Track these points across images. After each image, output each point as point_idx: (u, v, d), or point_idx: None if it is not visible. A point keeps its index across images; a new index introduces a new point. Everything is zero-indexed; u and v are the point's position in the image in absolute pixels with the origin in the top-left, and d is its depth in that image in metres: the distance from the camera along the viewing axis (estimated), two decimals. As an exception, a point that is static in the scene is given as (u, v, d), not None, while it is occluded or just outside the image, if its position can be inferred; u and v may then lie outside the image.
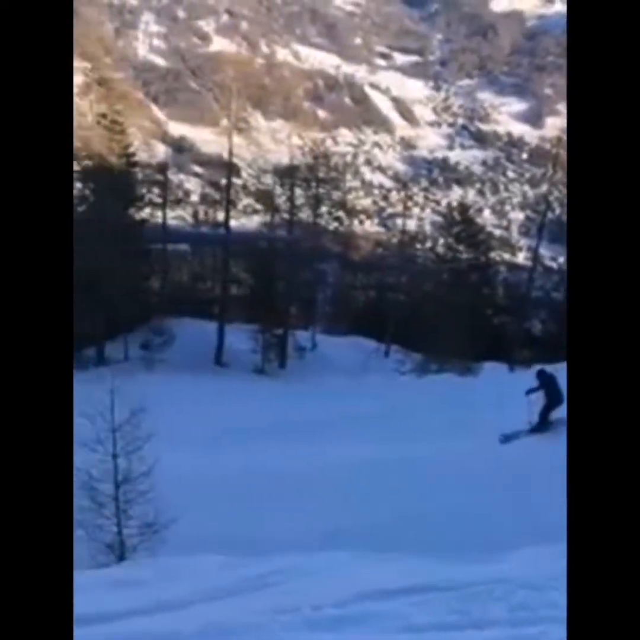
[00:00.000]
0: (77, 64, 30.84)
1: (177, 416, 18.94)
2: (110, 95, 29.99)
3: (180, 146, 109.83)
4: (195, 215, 61.06)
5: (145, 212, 33.75)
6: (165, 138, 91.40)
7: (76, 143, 30.76)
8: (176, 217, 46.54)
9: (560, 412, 15.64)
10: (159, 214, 34.53)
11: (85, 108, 29.67)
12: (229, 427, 19.79)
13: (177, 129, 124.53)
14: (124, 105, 30.99)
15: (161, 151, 56.30)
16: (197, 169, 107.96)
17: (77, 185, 32.02)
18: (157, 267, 36.24)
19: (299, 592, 6.44)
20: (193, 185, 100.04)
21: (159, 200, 34.64)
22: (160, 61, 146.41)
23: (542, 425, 16.13)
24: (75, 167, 31.36)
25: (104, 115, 29.52)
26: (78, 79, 30.84)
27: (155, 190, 34.71)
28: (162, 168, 37.43)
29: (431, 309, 34.26)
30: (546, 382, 16.15)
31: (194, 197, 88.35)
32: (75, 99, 30.49)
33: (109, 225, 29.03)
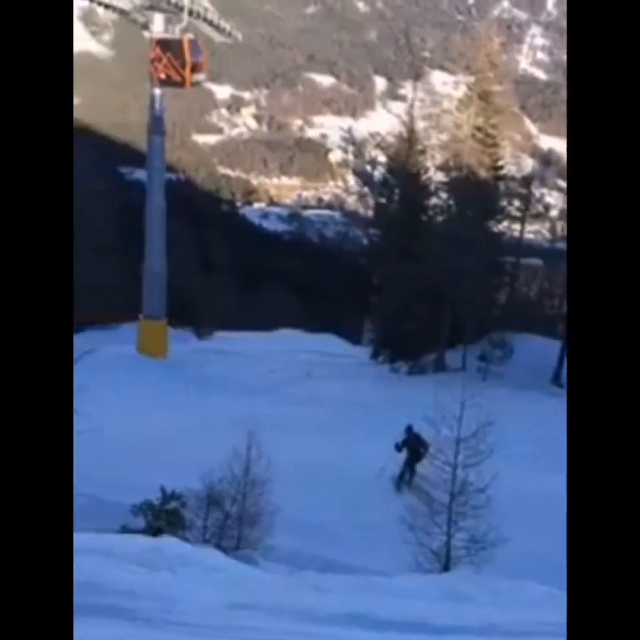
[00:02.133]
0: (462, 78, 31.82)
1: (512, 433, 18.73)
2: (489, 109, 30.35)
3: (547, 160, 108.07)
4: (552, 230, 59.63)
5: (504, 225, 33.74)
6: (534, 151, 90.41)
7: (447, 155, 31.77)
8: (533, 231, 45.88)
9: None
10: (517, 227, 34.31)
11: (462, 121, 30.48)
12: (562, 449, 19.05)
13: (546, 142, 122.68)
14: (500, 119, 31.21)
15: (528, 164, 55.83)
16: (562, 183, 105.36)
17: (442, 195, 33.11)
18: (507, 280, 36.10)
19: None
20: (554, 200, 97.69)
21: (517, 213, 34.43)
22: (540, 74, 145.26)
23: (400, 481, 17.68)
24: (443, 178, 32.45)
25: (479, 128, 30.01)
26: (459, 93, 31.72)
27: (516, 203, 34.52)
28: (527, 182, 37.06)
29: None
30: (410, 440, 17.60)
31: (554, 212, 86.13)
32: (454, 112, 31.48)
33: (466, 236, 29.54)
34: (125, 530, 12.13)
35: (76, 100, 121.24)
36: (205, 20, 33.35)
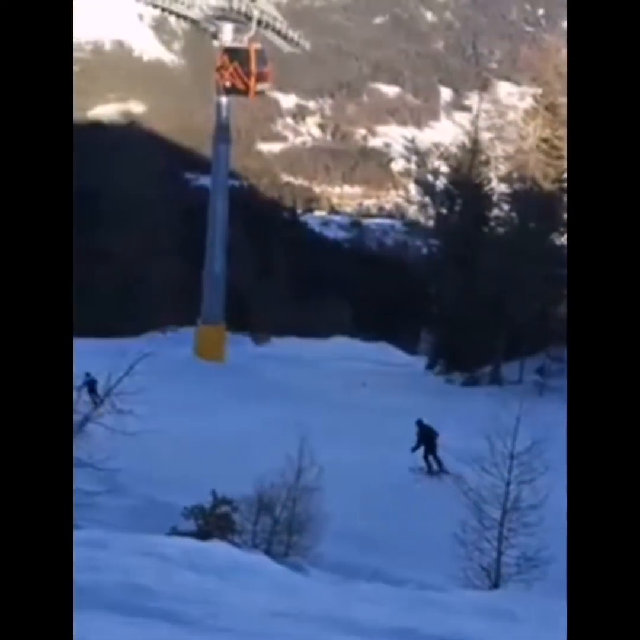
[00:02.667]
0: (528, 89, 31.41)
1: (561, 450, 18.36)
2: (555, 121, 30.03)
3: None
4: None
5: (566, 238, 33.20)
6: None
7: (511, 166, 31.42)
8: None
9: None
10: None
11: (527, 132, 30.16)
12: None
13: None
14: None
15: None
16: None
17: (504, 207, 32.75)
18: (565, 293, 35.51)
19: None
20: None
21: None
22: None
23: (429, 467, 18.62)
24: (506, 189, 32.10)
25: (545, 140, 29.69)
26: (525, 104, 31.38)
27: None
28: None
29: None
30: (424, 432, 18.68)
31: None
32: (519, 123, 31.15)
33: (528, 248, 29.16)
34: (175, 532, 12.26)
35: (145, 107, 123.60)
36: (273, 30, 33.65)
